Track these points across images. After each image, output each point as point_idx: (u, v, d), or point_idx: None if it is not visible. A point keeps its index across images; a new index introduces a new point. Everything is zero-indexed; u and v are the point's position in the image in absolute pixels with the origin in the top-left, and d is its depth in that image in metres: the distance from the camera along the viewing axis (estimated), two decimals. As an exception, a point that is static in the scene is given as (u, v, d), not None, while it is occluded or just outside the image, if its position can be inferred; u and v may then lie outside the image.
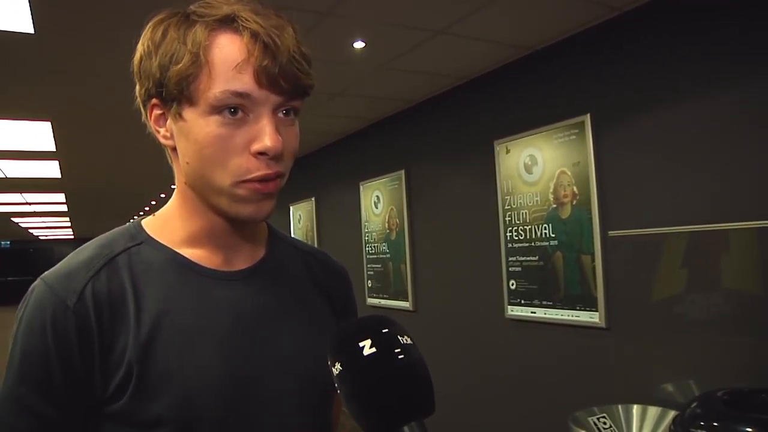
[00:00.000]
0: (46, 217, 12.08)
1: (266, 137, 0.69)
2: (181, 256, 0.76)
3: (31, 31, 2.41)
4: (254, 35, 0.68)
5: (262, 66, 0.67)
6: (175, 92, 0.69)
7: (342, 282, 0.95)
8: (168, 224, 0.79)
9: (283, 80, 0.69)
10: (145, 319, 0.70)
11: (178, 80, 0.68)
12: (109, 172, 6.00)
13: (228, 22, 0.69)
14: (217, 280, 0.77)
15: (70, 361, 0.67)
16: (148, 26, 0.73)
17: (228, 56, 0.68)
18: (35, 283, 0.71)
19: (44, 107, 3.66)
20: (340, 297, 0.93)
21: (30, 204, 9.04)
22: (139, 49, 0.73)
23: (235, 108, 0.68)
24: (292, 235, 6.16)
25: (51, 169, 5.70)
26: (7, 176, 6.00)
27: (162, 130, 0.75)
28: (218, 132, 0.69)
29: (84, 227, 14.91)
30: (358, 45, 2.84)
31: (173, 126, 0.73)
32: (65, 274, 0.71)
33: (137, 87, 0.75)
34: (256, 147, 0.69)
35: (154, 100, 0.73)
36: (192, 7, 0.71)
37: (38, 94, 3.38)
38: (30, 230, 15.76)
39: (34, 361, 0.67)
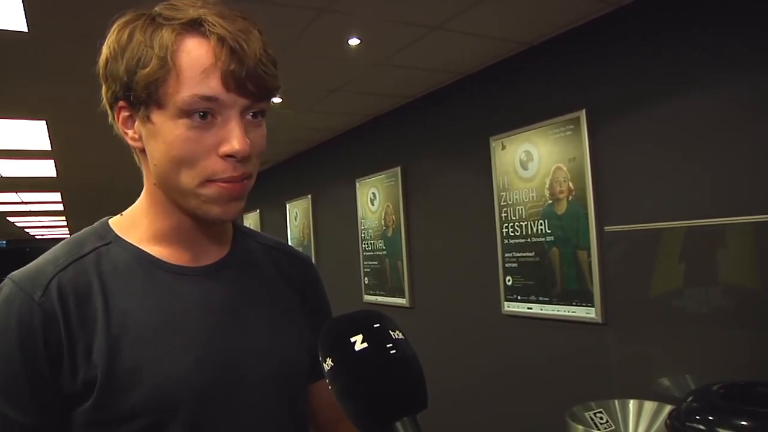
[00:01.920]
0: (42, 217, 12.03)
1: (234, 140, 0.70)
2: (148, 253, 0.77)
3: (25, 29, 2.40)
4: (221, 40, 0.68)
5: (229, 70, 0.68)
6: (143, 96, 0.69)
7: (309, 272, 0.97)
8: (136, 223, 0.80)
9: (251, 83, 0.70)
10: (113, 315, 0.71)
11: (145, 84, 0.68)
12: (105, 171, 5.98)
13: (195, 26, 0.69)
14: (185, 275, 0.78)
15: (35, 356, 0.67)
16: (113, 28, 0.73)
17: (195, 60, 0.68)
18: (2, 282, 0.72)
19: (39, 106, 3.64)
20: (308, 287, 0.94)
21: (26, 203, 9.01)
22: (105, 51, 0.73)
23: (203, 112, 0.69)
24: (288, 233, 6.16)
25: (46, 168, 5.68)
26: (3, 175, 5.97)
27: (130, 132, 0.75)
28: (187, 135, 0.69)
29: (80, 226, 14.74)
30: (354, 42, 2.83)
31: (141, 128, 0.73)
32: (33, 271, 0.72)
33: (103, 88, 0.75)
34: (225, 149, 0.70)
35: (121, 103, 0.73)
36: (157, 9, 0.71)
37: (33, 93, 3.36)
38: (26, 230, 15.70)
39: (4, 358, 0.67)
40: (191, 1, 0.72)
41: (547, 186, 2.90)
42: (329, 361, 0.61)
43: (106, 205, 8.54)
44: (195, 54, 0.68)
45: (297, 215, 5.95)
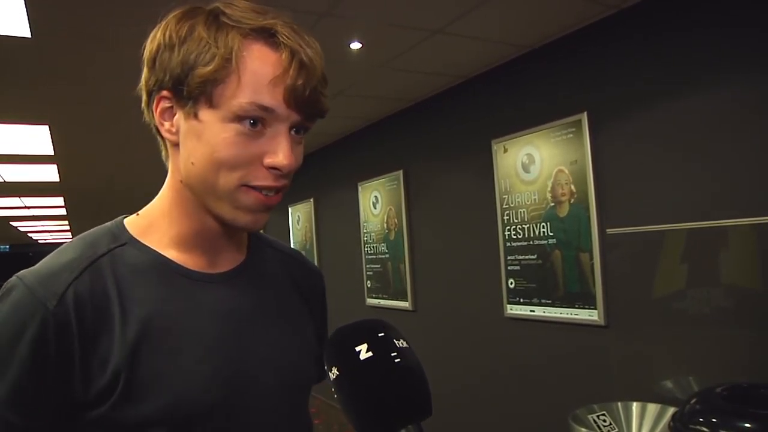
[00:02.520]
0: (45, 221, 12.06)
1: (281, 154, 0.69)
2: (166, 258, 0.75)
3: (28, 35, 2.41)
4: (293, 53, 0.68)
5: (295, 85, 0.68)
6: (197, 92, 0.68)
7: (318, 283, 0.97)
8: (154, 225, 0.77)
9: (309, 102, 0.70)
10: (131, 323, 0.69)
11: (202, 81, 0.67)
12: (108, 175, 6.00)
13: (265, 34, 0.69)
14: (202, 282, 0.76)
15: (46, 366, 0.65)
16: (170, 17, 0.71)
17: (261, 68, 0.67)
18: (11, 281, 0.68)
19: (42, 111, 3.66)
20: (316, 297, 0.94)
21: (29, 208, 9.03)
22: (159, 38, 0.70)
23: (256, 120, 0.68)
24: (291, 237, 6.16)
25: (49, 173, 5.70)
26: (6, 180, 5.99)
27: (167, 124, 0.73)
28: (235, 140, 0.68)
29: (83, 230, 14.80)
30: (355, 45, 2.84)
31: (182, 123, 0.71)
32: (46, 275, 0.68)
33: (145, 74, 0.73)
34: (271, 161, 0.69)
35: (165, 92, 0.71)
36: (220, 7, 0.70)
37: (36, 98, 3.38)
38: (29, 234, 15.74)
39: (10, 366, 0.64)
40: (252, 6, 0.71)
41: (549, 188, 2.90)
42: (335, 370, 0.62)
43: (108, 209, 8.56)
44: (262, 62, 0.68)
45: (299, 219, 5.96)
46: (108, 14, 2.27)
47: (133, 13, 2.08)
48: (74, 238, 0.75)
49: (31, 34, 2.41)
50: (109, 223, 0.78)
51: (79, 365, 0.66)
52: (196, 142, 0.70)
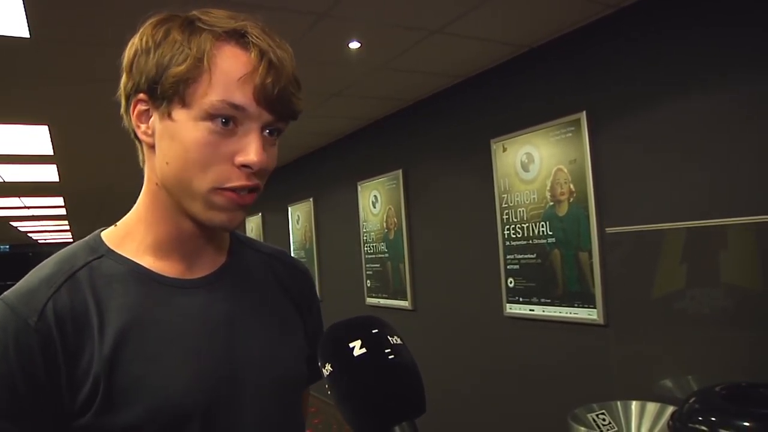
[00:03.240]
0: (45, 221, 12.06)
1: (252, 152, 0.70)
2: (142, 267, 0.76)
3: (27, 35, 2.41)
4: (262, 53, 0.70)
5: (264, 83, 0.69)
6: (170, 92, 0.70)
7: (305, 282, 0.97)
8: (130, 233, 0.78)
9: (279, 101, 0.71)
10: (108, 332, 0.70)
11: (175, 81, 0.69)
12: (108, 175, 6.00)
13: (236, 36, 0.71)
14: (180, 288, 0.77)
15: (35, 380, 0.66)
16: (147, 24, 0.73)
17: (231, 67, 0.69)
18: None
19: (41, 111, 3.66)
20: (304, 297, 0.94)
21: (28, 208, 9.03)
22: (136, 43, 0.73)
23: (227, 118, 0.69)
24: (290, 237, 6.16)
25: (49, 173, 5.70)
26: (5, 180, 5.99)
27: (143, 126, 0.75)
28: (207, 138, 0.70)
29: (83, 230, 14.86)
30: (354, 45, 2.84)
31: (157, 124, 0.73)
32: (25, 292, 0.70)
33: (123, 80, 0.75)
34: (242, 159, 0.70)
35: (141, 95, 0.73)
36: (196, 13, 0.72)
37: (35, 99, 3.38)
38: (29, 234, 15.74)
39: (0, 382, 0.66)
40: (228, 13, 0.73)
41: (548, 188, 2.90)
42: (328, 367, 0.62)
43: (108, 209, 8.56)
44: (232, 61, 0.70)
45: (299, 219, 5.96)
46: (106, 15, 2.27)
47: (132, 14, 2.08)
48: (52, 255, 0.76)
49: (30, 35, 2.41)
50: (87, 237, 0.80)
51: (66, 376, 0.68)
52: (170, 141, 0.72)
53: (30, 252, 19.41)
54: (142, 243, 0.78)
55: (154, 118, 0.73)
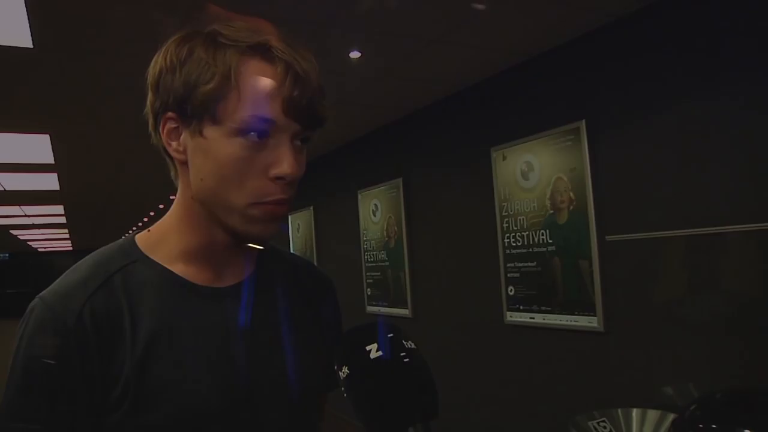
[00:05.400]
0: (45, 230, 12.06)
1: (286, 163, 0.71)
2: (173, 273, 0.78)
3: (30, 45, 2.43)
4: (288, 66, 0.71)
5: (291, 96, 0.70)
6: (200, 110, 0.71)
7: (329, 292, 0.98)
8: (163, 240, 0.80)
9: (307, 111, 0.72)
10: (140, 336, 0.72)
11: (204, 99, 0.70)
12: (108, 184, 6.01)
13: (260, 50, 0.72)
14: (208, 295, 0.78)
15: (72, 378, 0.69)
16: (170, 42, 0.74)
17: (259, 82, 0.70)
18: (34, 302, 0.73)
19: (43, 121, 3.67)
20: (327, 307, 0.95)
21: (29, 216, 9.04)
22: (160, 62, 0.73)
23: (258, 132, 0.70)
24: (291, 245, 6.15)
25: (50, 182, 5.71)
26: (6, 189, 6.01)
27: (174, 144, 0.75)
28: (240, 154, 0.70)
29: (83, 239, 14.88)
30: (355, 55, 2.86)
31: (189, 141, 0.74)
32: (63, 294, 0.72)
33: (150, 98, 0.76)
34: (276, 172, 0.71)
35: (170, 114, 0.74)
36: (217, 28, 0.73)
37: (37, 108, 3.40)
38: (29, 242, 15.73)
39: (37, 379, 0.69)
40: (248, 25, 0.74)
41: (548, 196, 2.91)
42: (345, 369, 0.64)
43: (108, 218, 8.56)
44: (259, 76, 0.70)
45: (299, 227, 5.97)
46: (108, 26, 2.28)
47: (134, 27, 2.10)
48: (87, 256, 0.78)
49: (33, 45, 2.43)
50: (121, 240, 0.81)
51: (99, 376, 0.70)
52: (204, 158, 0.73)
53: (30, 260, 19.40)
54: (174, 250, 0.79)
55: (185, 136, 0.74)
